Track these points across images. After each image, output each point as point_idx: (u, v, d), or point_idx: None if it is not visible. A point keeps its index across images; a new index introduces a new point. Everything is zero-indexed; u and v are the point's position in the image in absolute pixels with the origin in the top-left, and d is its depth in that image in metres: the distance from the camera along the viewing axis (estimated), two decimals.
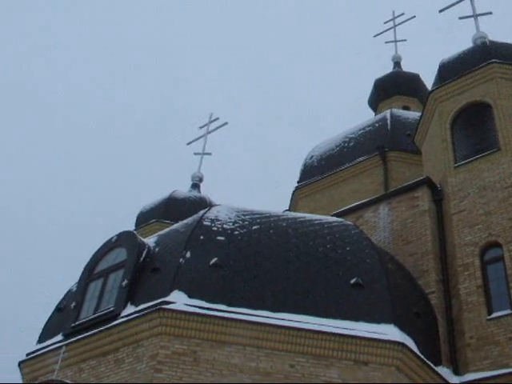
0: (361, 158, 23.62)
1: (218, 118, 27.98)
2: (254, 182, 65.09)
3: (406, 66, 33.25)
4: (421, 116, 20.41)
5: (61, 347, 14.07)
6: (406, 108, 29.90)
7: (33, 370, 14.78)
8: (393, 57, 33.62)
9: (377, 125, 25.02)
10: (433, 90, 19.49)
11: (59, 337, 14.64)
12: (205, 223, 14.62)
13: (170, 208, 23.93)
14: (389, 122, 24.81)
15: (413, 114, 25.80)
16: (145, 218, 24.27)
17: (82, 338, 13.80)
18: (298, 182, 25.28)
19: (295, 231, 14.83)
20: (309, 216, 16.17)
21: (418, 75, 31.93)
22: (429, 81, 24.05)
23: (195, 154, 27.48)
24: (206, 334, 12.60)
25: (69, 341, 14.05)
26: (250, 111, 74.30)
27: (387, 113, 25.89)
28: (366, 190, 22.00)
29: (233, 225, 14.68)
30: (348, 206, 19.12)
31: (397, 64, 33.34)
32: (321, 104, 74.75)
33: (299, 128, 69.42)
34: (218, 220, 14.80)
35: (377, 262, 14.33)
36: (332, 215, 17.92)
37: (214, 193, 26.36)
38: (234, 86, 77.36)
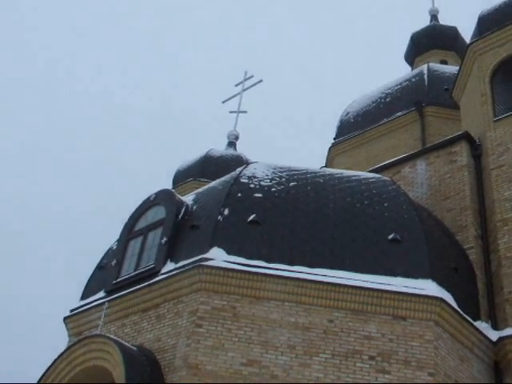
0: (398, 114, 23.39)
1: (252, 76, 27.79)
2: (289, 139, 64.88)
3: (444, 20, 32.58)
4: (459, 70, 20.06)
5: (103, 303, 14.39)
6: (443, 62, 29.35)
7: (77, 325, 15.18)
8: (430, 10, 32.91)
9: (414, 80, 24.68)
10: (472, 43, 19.11)
11: (101, 293, 14.97)
12: (242, 180, 14.69)
13: (207, 166, 24.03)
14: (426, 76, 24.45)
15: (451, 68, 25.36)
16: (182, 177, 24.42)
17: (123, 295, 14.09)
18: (334, 139, 25.17)
19: (332, 187, 14.82)
20: (346, 172, 16.14)
21: (456, 28, 31.25)
22: (467, 34, 23.54)
23: (230, 112, 27.41)
24: (245, 289, 12.77)
25: (111, 297, 14.37)
26: (285, 68, 73.69)
27: (424, 67, 25.50)
28: (403, 146, 21.83)
29: (270, 182, 14.73)
30: (385, 162, 19.00)
31: (434, 17, 32.64)
32: (358, 60, 73.82)
33: (335, 85, 68.71)
34: (255, 177, 14.85)
35: (415, 218, 14.29)
36: (369, 171, 17.83)
37: (250, 151, 26.36)
38: (268, 42, 76.73)
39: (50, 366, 13.38)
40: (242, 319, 12.52)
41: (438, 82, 23.96)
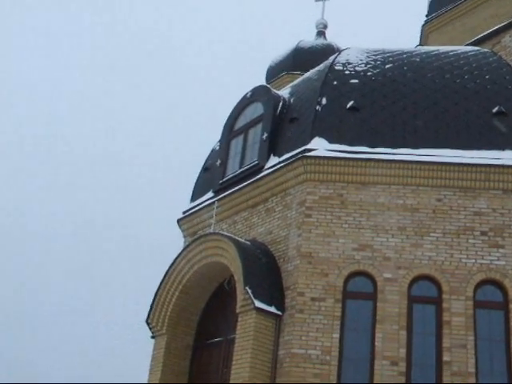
0: None
1: None
2: (379, 22, 62.79)
3: None
4: None
5: (213, 203, 14.83)
6: None
7: (190, 225, 15.77)
8: None
9: None
10: None
11: (210, 194, 15.39)
12: (336, 68, 14.49)
13: (298, 58, 23.64)
14: None
15: None
16: (274, 72, 24.20)
17: (231, 193, 14.46)
18: (426, 16, 24.20)
19: (430, 65, 14.43)
20: (442, 48, 15.63)
21: None
22: None
23: (316, 0, 26.68)
24: (350, 176, 12.82)
25: (220, 196, 14.77)
26: None
27: None
28: (501, 15, 20.66)
29: (365, 66, 14.47)
30: (483, 33, 18.22)
31: None
32: None
33: None
34: (349, 63, 14.61)
35: None
36: (467, 45, 17.19)
37: (341, 39, 25.74)
38: None
39: (171, 266, 14.07)
40: (350, 205, 12.64)
41: None
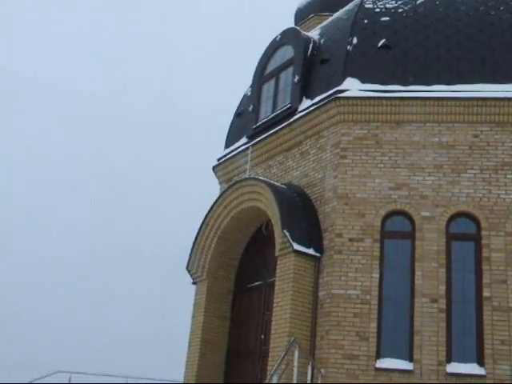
0: None
1: None
2: None
3: None
4: None
5: (247, 148, 14.85)
6: None
7: (226, 172, 15.84)
8: None
9: None
10: None
11: (244, 139, 15.40)
12: (366, 6, 14.23)
13: None
14: None
15: None
16: (303, 15, 23.76)
17: (265, 137, 14.44)
18: None
19: None
20: None
21: None
22: None
23: None
24: (384, 116, 12.69)
25: (254, 141, 14.77)
26: None
27: None
28: None
29: (395, 3, 14.18)
30: None
31: None
32: None
33: None
34: (379, 0, 14.33)
35: None
36: None
37: None
38: None
39: (208, 213, 14.19)
40: (385, 145, 12.55)
41: None
